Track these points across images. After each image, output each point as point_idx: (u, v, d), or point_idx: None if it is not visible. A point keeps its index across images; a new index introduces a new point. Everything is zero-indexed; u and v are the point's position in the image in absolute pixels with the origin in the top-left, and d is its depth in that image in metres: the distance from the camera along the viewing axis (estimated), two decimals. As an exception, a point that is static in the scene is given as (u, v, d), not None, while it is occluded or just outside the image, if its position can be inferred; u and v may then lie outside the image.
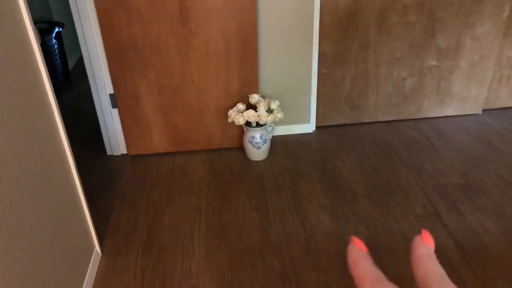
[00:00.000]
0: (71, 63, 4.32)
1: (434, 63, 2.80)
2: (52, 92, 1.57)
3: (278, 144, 2.79)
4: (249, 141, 2.56)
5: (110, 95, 2.55)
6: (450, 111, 3.00)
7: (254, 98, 2.53)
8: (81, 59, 4.52)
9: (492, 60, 2.83)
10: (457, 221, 2.09)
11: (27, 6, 1.43)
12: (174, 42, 2.38)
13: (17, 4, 1.38)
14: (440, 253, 1.91)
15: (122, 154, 2.76)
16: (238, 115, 2.47)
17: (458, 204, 2.21)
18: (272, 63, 2.65)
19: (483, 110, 3.07)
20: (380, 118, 2.97)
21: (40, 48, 1.49)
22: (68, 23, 4.24)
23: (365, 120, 2.97)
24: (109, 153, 2.76)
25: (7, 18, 1.30)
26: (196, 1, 2.29)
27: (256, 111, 2.47)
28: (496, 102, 3.06)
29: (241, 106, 2.52)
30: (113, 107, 2.59)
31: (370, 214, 2.17)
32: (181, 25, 2.33)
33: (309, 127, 2.90)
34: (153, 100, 2.54)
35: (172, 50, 2.40)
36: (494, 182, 2.36)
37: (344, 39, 2.66)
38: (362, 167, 2.52)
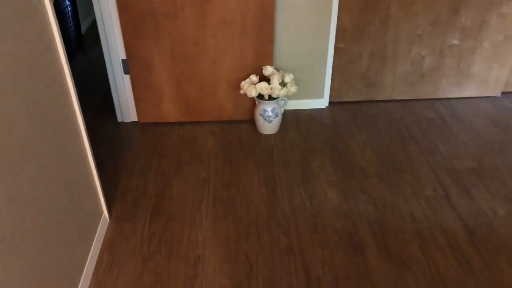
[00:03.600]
0: (84, 27, 4.28)
1: (455, 41, 2.71)
2: (65, 56, 1.55)
3: (290, 118, 2.76)
4: (261, 114, 2.53)
5: (123, 60, 2.52)
6: (468, 93, 2.92)
7: (268, 70, 2.48)
8: (94, 23, 4.47)
9: (517, 41, 2.73)
10: (467, 205, 2.06)
11: (40, -35, 1.39)
12: (190, 9, 2.32)
13: (29, -38, 1.34)
14: (447, 235, 1.89)
15: (132, 122, 2.76)
16: (251, 87, 2.43)
17: (470, 187, 2.17)
18: (288, 35, 2.58)
19: (502, 93, 2.99)
20: (396, 97, 2.91)
21: (54, 10, 1.46)
22: (83, -15, 4.17)
23: (380, 98, 2.91)
24: (119, 119, 2.75)
25: (18, -23, 1.27)
26: (213, -33, 2.22)
27: (269, 84, 2.43)
28: (517, 85, 2.97)
29: (254, 78, 2.48)
30: (125, 73, 2.56)
31: (379, 193, 2.15)
32: (196, -9, 2.27)
33: (322, 103, 2.85)
34: (166, 68, 2.51)
35: (188, 16, 2.35)
36: (509, 167, 2.31)
37: (364, 13, 2.58)
38: (374, 145, 2.49)
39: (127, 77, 2.58)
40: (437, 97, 2.93)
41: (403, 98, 2.92)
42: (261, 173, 2.29)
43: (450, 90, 2.90)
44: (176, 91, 2.59)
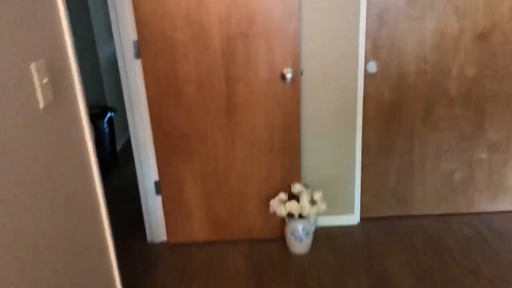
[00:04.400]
0: (119, 143, 4.51)
1: (484, 155, 2.71)
2: (98, 176, 1.60)
3: (321, 236, 2.69)
4: (291, 233, 2.48)
5: (155, 182, 2.59)
6: (504, 206, 2.83)
7: (296, 188, 2.50)
8: (129, 141, 4.72)
9: (548, 153, 2.71)
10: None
11: (83, 93, 1.52)
12: (220, 133, 2.44)
13: (73, 91, 1.47)
14: None
15: (161, 242, 2.74)
16: (280, 206, 2.42)
17: (524, 315, 1.99)
18: (315, 153, 2.64)
19: (541, 205, 2.88)
20: (428, 212, 2.83)
21: (93, 136, 1.56)
22: (120, 107, 4.49)
23: (412, 213, 2.84)
24: (149, 239, 2.75)
25: (68, 107, 1.38)
26: (242, 96, 2.37)
27: (298, 202, 2.42)
28: (555, 197, 2.87)
29: (283, 196, 2.49)
30: (157, 193, 2.62)
31: (423, 322, 1.98)
32: (227, 117, 2.40)
33: (354, 219, 2.80)
34: (197, 188, 2.56)
35: (218, 140, 2.45)
36: (562, 290, 2.13)
37: (389, 130, 2.64)
38: (413, 266, 2.36)
39: (158, 198, 2.63)
40: (472, 211, 2.84)
41: (436, 213, 2.84)
42: (293, 298, 2.18)
43: (485, 203, 2.82)
44: (206, 210, 2.61)
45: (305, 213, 2.40)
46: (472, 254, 2.43)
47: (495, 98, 2.58)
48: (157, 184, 2.59)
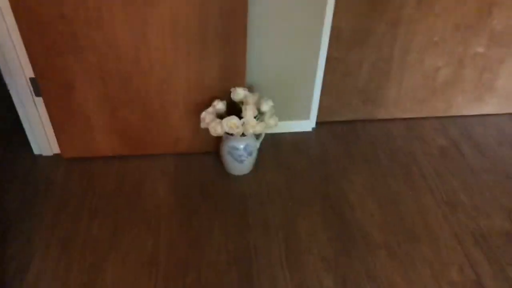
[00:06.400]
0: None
1: (480, 49, 2.10)
2: None
3: (267, 148, 2.11)
4: (229, 152, 1.87)
5: (31, 79, 1.76)
6: (487, 109, 2.35)
7: (238, 94, 1.80)
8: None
9: (554, 48, 2.15)
10: (507, 297, 1.55)
11: None
12: (122, 14, 1.57)
13: None
14: None
15: (55, 154, 2.04)
16: (215, 123, 1.75)
17: (506, 266, 1.65)
18: (265, 42, 1.88)
19: (525, 107, 2.44)
20: (399, 115, 2.30)
21: None
22: None
23: (380, 117, 2.29)
24: (36, 152, 2.03)
25: None
26: (155, -50, 1.46)
27: (240, 116, 1.76)
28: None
29: (220, 105, 1.79)
30: (37, 95, 1.82)
31: (390, 277, 1.59)
32: (131, -13, 1.52)
33: (308, 124, 2.21)
34: (95, 90, 1.78)
35: (120, 23, 1.60)
36: (548, 228, 1.80)
37: (369, 13, 1.90)
38: (377, 194, 1.90)
39: (39, 100, 1.83)
40: (449, 114, 2.34)
41: (407, 117, 2.32)
42: (230, 245, 1.67)
43: (466, 106, 2.32)
44: (112, 118, 1.88)
45: (249, 132, 1.76)
46: (448, 177, 1.99)
47: (516, -28, 1.86)
48: (35, 82, 1.77)
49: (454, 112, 2.33)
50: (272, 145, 2.14)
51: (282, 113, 2.14)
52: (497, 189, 1.95)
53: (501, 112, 2.38)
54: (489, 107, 2.34)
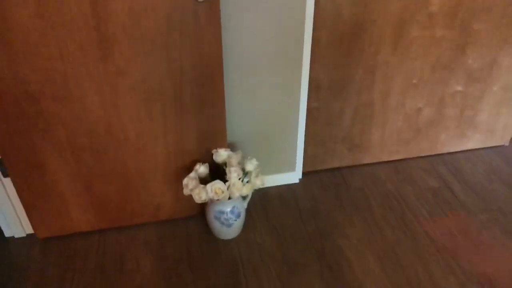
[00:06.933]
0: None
1: (459, 88, 2.09)
2: None
3: (254, 206, 2.02)
4: (216, 217, 1.77)
5: (-3, 159, 1.65)
6: (471, 144, 2.33)
7: (221, 155, 1.72)
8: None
9: (529, 80, 2.16)
10: None
11: None
12: (91, 85, 1.49)
13: None
14: None
15: (28, 235, 1.89)
16: (199, 189, 1.65)
17: (518, 314, 1.57)
18: (244, 99, 1.82)
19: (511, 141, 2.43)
20: (385, 158, 2.25)
21: None
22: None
23: (366, 161, 2.24)
24: (7, 234, 1.88)
25: None
26: (121, 24, 1.39)
27: (224, 179, 1.67)
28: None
29: (202, 168, 1.70)
30: (4, 176, 1.69)
31: None
32: (101, 60, 1.44)
33: (295, 176, 2.13)
34: (67, 166, 1.66)
35: (90, 97, 1.51)
36: (552, 266, 1.73)
37: (346, 62, 1.87)
38: (375, 247, 1.82)
39: (8, 181, 1.71)
40: (435, 153, 2.31)
41: (393, 159, 2.27)
42: (225, 322, 1.55)
43: (450, 143, 2.29)
44: (87, 193, 1.76)
45: (235, 195, 1.66)
46: (445, 222, 1.93)
47: (485, 12, 1.88)
48: (1, 163, 1.65)
49: (439, 150, 2.30)
50: (259, 200, 2.04)
51: (267, 167, 2.06)
52: (495, 228, 1.89)
53: (484, 146, 2.36)
54: (472, 142, 2.32)
